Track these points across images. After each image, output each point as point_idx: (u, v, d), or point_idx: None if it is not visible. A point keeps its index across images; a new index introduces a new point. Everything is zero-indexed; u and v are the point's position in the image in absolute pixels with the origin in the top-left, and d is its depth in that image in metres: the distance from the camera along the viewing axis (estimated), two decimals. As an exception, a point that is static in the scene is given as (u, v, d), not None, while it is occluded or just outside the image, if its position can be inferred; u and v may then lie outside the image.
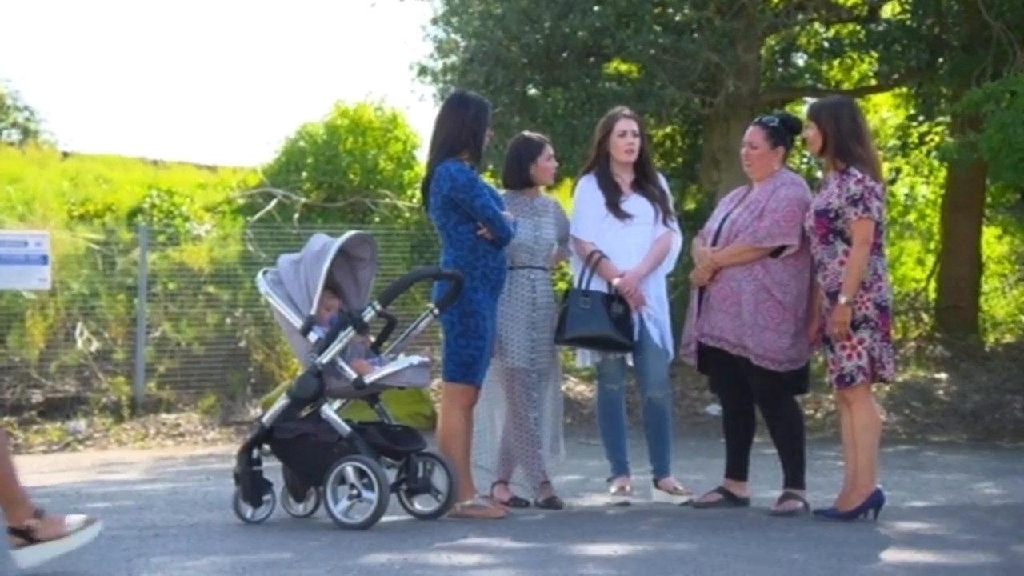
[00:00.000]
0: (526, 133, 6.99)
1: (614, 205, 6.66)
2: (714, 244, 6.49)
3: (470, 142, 6.20)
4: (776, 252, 6.31)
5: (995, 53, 12.63)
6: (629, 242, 6.64)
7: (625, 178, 6.77)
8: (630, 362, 6.77)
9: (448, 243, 6.24)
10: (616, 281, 6.57)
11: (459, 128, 6.19)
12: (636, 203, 6.72)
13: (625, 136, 6.71)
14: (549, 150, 6.72)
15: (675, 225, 6.83)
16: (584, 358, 6.90)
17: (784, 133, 6.53)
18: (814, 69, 15.69)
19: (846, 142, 6.10)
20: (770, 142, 6.51)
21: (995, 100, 11.22)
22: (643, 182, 6.77)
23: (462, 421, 6.20)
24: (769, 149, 6.51)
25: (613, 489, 6.74)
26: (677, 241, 6.83)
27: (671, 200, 6.91)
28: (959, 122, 13.68)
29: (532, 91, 13.19)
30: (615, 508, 6.57)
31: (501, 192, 6.59)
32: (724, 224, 6.51)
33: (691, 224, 10.50)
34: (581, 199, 6.78)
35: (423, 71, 14.22)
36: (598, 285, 6.59)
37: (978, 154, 11.47)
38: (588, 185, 6.78)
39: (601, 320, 6.49)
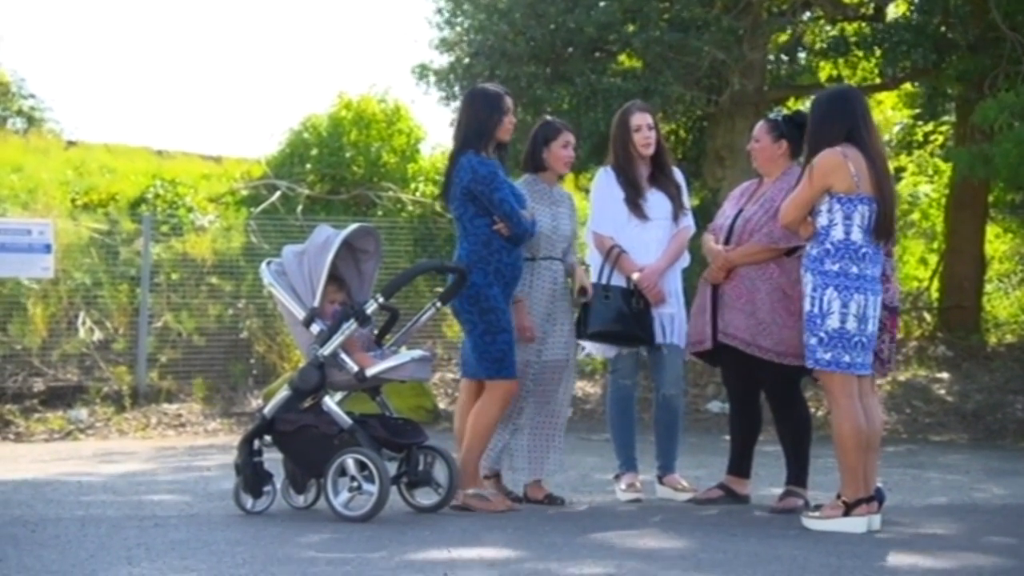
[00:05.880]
0: (549, 117, 6.96)
1: (634, 203, 6.65)
2: (727, 241, 6.47)
3: (484, 134, 6.21)
4: (791, 250, 6.29)
5: (1007, 57, 12.53)
6: (648, 237, 6.64)
7: (643, 172, 6.76)
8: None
9: (463, 235, 6.24)
10: (635, 276, 6.56)
11: (471, 121, 6.24)
12: (655, 199, 6.71)
13: (640, 131, 6.69)
14: (567, 137, 6.62)
15: (690, 220, 6.81)
16: (600, 352, 6.90)
17: (789, 128, 6.51)
18: (819, 67, 15.65)
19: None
20: (772, 135, 6.53)
21: (1011, 113, 11.08)
22: (659, 175, 6.76)
23: (499, 416, 6.20)
24: (771, 143, 6.52)
25: (623, 486, 6.70)
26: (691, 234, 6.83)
27: (686, 194, 6.90)
28: (969, 129, 13.57)
29: (536, 85, 13.14)
30: (626, 505, 6.54)
31: (521, 179, 6.61)
32: (737, 221, 6.49)
33: (695, 220, 10.46)
34: (600, 193, 6.76)
35: (424, 70, 14.13)
36: (618, 280, 6.60)
37: (992, 167, 11.35)
38: (607, 180, 6.75)
39: (623, 315, 6.50)
